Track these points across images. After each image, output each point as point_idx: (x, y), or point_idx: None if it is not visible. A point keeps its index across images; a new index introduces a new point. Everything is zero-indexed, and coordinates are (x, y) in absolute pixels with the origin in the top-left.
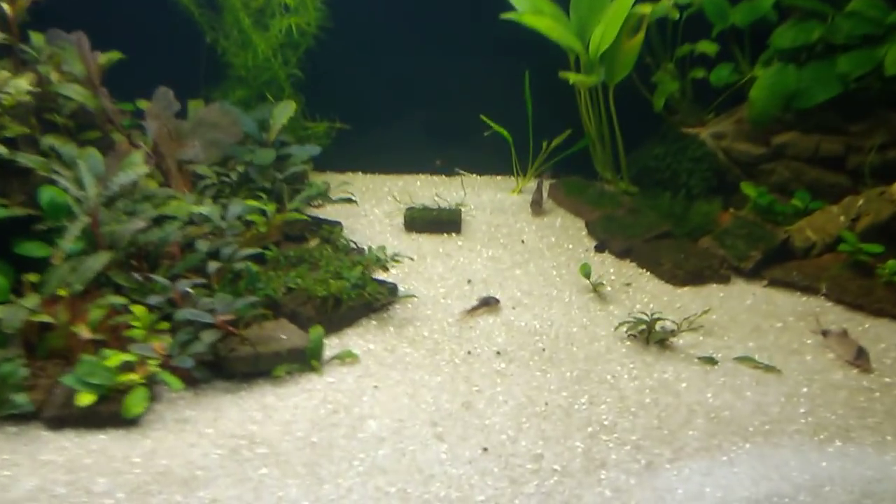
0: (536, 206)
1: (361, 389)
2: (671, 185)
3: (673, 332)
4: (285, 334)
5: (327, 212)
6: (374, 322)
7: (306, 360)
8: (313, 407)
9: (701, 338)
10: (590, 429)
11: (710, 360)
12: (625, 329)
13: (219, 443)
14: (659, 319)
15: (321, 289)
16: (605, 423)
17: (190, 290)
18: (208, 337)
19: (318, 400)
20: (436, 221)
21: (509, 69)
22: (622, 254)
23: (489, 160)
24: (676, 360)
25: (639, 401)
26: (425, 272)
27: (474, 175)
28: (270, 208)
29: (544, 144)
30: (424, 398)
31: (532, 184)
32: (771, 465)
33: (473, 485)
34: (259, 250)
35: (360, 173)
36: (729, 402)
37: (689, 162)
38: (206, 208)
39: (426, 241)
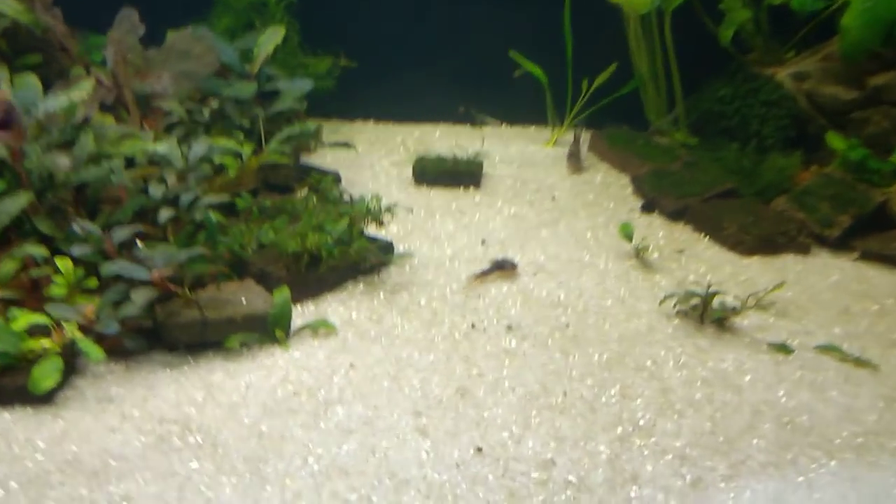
0: (574, 161)
1: (333, 368)
2: (739, 134)
3: (735, 311)
4: (248, 298)
5: (326, 163)
6: (361, 286)
7: (268, 330)
8: (269, 388)
9: (771, 319)
10: (619, 429)
11: (784, 348)
12: (673, 304)
13: (145, 428)
14: (718, 294)
15: (294, 243)
16: (641, 423)
17: (139, 244)
18: (141, 296)
19: (277, 379)
20: (451, 173)
21: None
22: (675, 215)
23: (521, 108)
24: (739, 345)
25: (687, 396)
26: (431, 230)
27: (503, 125)
28: (246, 150)
29: (584, 85)
30: (410, 381)
31: (570, 135)
32: (866, 491)
33: (459, 496)
34: (228, 198)
35: (370, 122)
36: (807, 404)
37: (762, 107)
38: (164, 146)
39: (437, 196)
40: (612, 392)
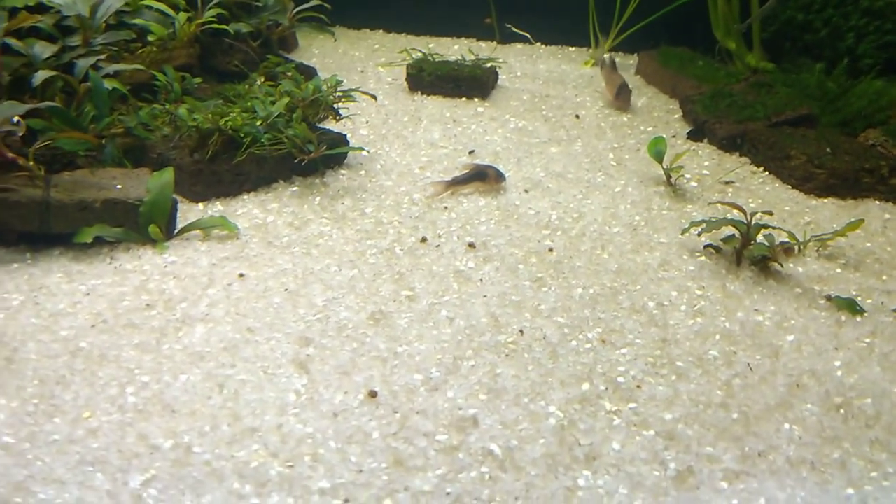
0: (623, 95)
1: (213, 278)
2: (827, 52)
3: (788, 249)
4: (126, 185)
5: (310, 61)
6: (295, 188)
7: (138, 224)
8: (117, 296)
9: (838, 270)
10: (585, 386)
11: (851, 306)
12: (699, 232)
13: None
14: (766, 227)
15: (203, 119)
16: (620, 381)
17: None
18: None
19: (132, 287)
20: (452, 79)
21: None
22: (729, 142)
23: (561, 26)
24: (785, 295)
25: (695, 352)
26: (410, 137)
27: (538, 44)
28: (181, 17)
29: None
30: (312, 300)
31: (617, 59)
32: None
33: (320, 458)
34: (142, 69)
35: (380, 31)
36: (875, 384)
37: (862, 16)
38: None
39: (432, 104)
40: (590, 336)
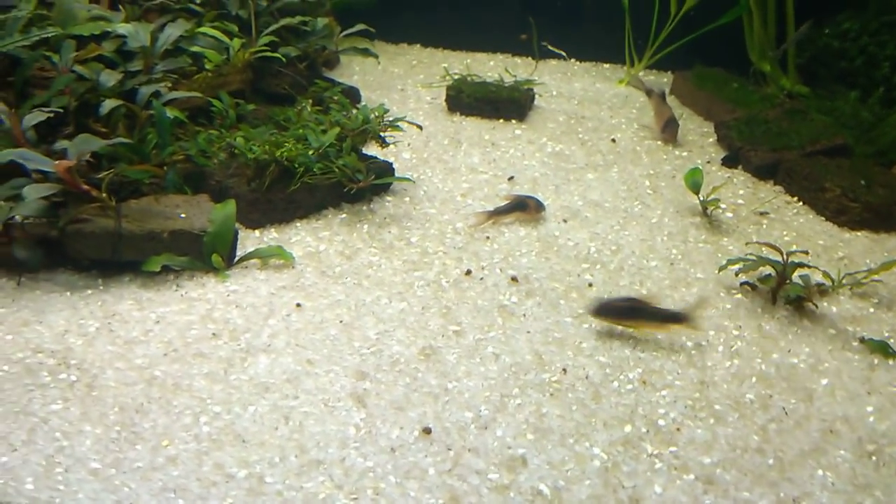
0: (671, 128)
1: (273, 307)
2: (862, 80)
3: (823, 290)
4: (189, 213)
5: (351, 80)
6: (344, 215)
7: (203, 254)
8: (185, 324)
9: (871, 309)
10: (628, 429)
11: (884, 348)
12: (737, 270)
13: (14, 356)
14: (801, 266)
15: (260, 150)
16: (660, 423)
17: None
18: (34, 193)
19: (199, 315)
20: (491, 101)
21: None
22: (764, 171)
23: (596, 42)
24: (820, 336)
25: (733, 395)
26: (451, 161)
27: (573, 60)
28: (235, 43)
29: (673, 6)
30: (365, 332)
31: (651, 77)
32: None
33: (382, 493)
34: (199, 96)
35: (417, 46)
36: None
37: None
38: (126, 27)
39: (471, 125)
40: (631, 376)
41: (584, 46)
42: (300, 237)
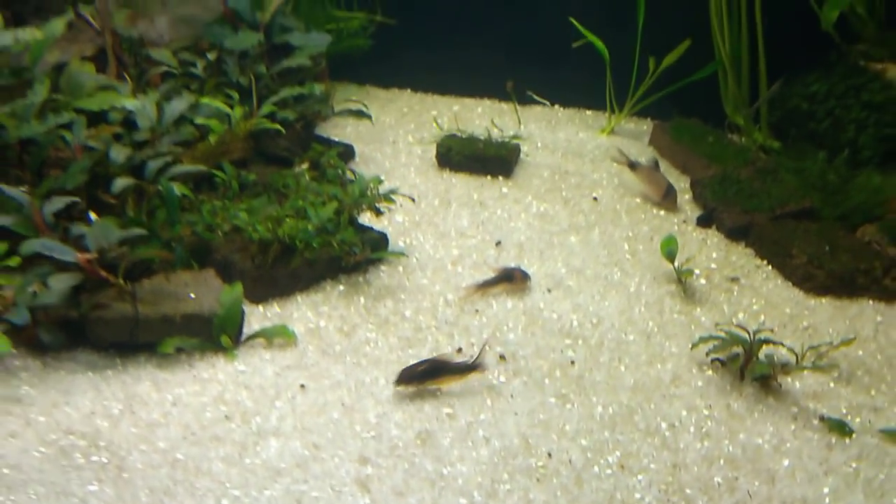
0: (672, 196)
1: (279, 389)
2: (829, 141)
3: (787, 368)
4: (198, 293)
5: (345, 134)
6: (341, 287)
7: (212, 335)
8: (199, 406)
9: (832, 384)
10: None
11: (841, 428)
12: (707, 349)
13: (48, 438)
14: (768, 342)
15: (263, 229)
16: None
17: (93, 217)
18: (60, 283)
19: (211, 397)
20: (479, 158)
21: None
22: (736, 233)
23: (578, 89)
24: (783, 415)
25: (703, 478)
26: (441, 224)
27: (556, 106)
28: (236, 113)
29: (651, 64)
30: (366, 416)
31: (631, 125)
32: None
33: None
34: (204, 169)
35: (407, 91)
36: None
37: (863, 110)
38: (134, 102)
39: (460, 183)
40: (610, 460)
41: (567, 93)
42: (301, 312)
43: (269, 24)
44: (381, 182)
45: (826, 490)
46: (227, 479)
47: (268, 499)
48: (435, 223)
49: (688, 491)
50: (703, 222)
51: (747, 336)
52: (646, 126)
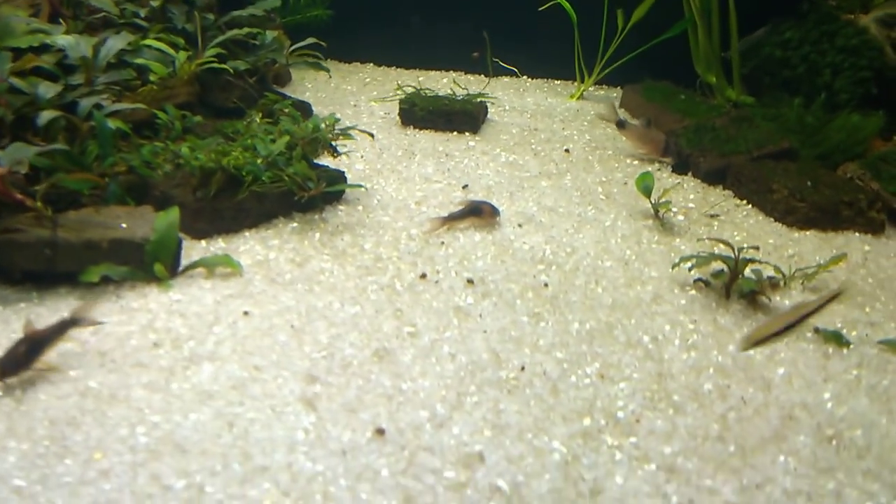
0: (671, 151)
1: (220, 315)
2: (804, 87)
3: (775, 283)
4: (131, 223)
5: (304, 97)
6: (294, 224)
7: (145, 264)
8: (124, 334)
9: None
10: (587, 422)
11: (838, 338)
12: (689, 267)
13: None
14: (753, 262)
15: (205, 158)
16: (620, 415)
17: None
18: None
19: (139, 325)
20: (444, 113)
21: None
22: (713, 175)
23: (547, 59)
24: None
25: (691, 386)
26: (405, 171)
27: (525, 77)
28: (181, 56)
29: (620, 20)
30: (317, 337)
31: (601, 92)
32: None
33: (331, 497)
34: (143, 107)
35: (370, 64)
36: (864, 415)
37: (838, 54)
38: (67, 39)
39: (424, 138)
40: (588, 371)
41: (535, 63)
42: (249, 246)
43: None
44: (337, 120)
45: (827, 395)
46: (146, 406)
47: (193, 423)
48: (398, 171)
49: (675, 398)
50: (679, 169)
51: (732, 254)
52: (615, 94)
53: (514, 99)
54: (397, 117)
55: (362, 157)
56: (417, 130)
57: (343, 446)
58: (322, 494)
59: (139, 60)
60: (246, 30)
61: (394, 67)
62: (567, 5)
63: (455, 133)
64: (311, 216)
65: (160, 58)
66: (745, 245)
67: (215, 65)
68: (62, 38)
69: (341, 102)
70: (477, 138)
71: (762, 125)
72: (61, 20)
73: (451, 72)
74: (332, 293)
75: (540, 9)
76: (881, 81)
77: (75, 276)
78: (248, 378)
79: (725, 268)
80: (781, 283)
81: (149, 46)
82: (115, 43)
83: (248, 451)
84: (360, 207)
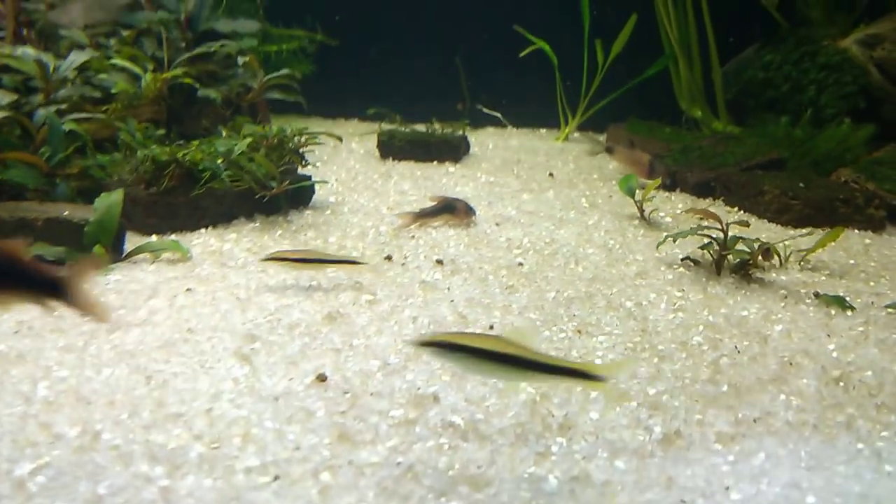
0: (660, 169)
1: (158, 291)
2: (790, 105)
3: (767, 251)
4: (74, 212)
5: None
6: (257, 224)
7: (83, 246)
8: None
9: (823, 278)
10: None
11: (840, 302)
12: (674, 240)
13: None
14: (742, 239)
15: (160, 152)
16: (597, 362)
17: None
18: None
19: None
20: (423, 144)
21: None
22: (701, 187)
23: (532, 112)
24: (770, 296)
25: (678, 339)
26: (381, 189)
27: (509, 128)
28: (147, 77)
29: (599, 55)
30: (264, 305)
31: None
32: None
33: (253, 437)
34: (101, 116)
35: (355, 120)
36: (874, 361)
37: (820, 71)
38: (21, 49)
39: (402, 167)
40: (565, 328)
41: (520, 117)
42: (203, 240)
43: (193, 14)
44: (305, 127)
45: (832, 347)
46: (56, 364)
47: (105, 378)
48: (374, 188)
49: (661, 348)
50: (668, 186)
51: (720, 230)
52: (601, 138)
53: (498, 141)
54: (376, 150)
55: (337, 179)
56: (396, 162)
57: (276, 393)
58: (242, 437)
59: (102, 76)
60: (216, 45)
61: (378, 123)
62: (547, 47)
63: (435, 163)
64: (274, 218)
65: (126, 77)
66: (735, 222)
67: (184, 79)
68: (20, 50)
69: (321, 145)
70: (457, 166)
71: (749, 141)
72: (28, 44)
73: (436, 124)
74: (287, 273)
75: (521, 54)
76: (868, 100)
77: None
78: (178, 339)
79: (715, 245)
80: (776, 257)
81: (114, 65)
82: (77, 57)
83: (163, 401)
84: (329, 212)
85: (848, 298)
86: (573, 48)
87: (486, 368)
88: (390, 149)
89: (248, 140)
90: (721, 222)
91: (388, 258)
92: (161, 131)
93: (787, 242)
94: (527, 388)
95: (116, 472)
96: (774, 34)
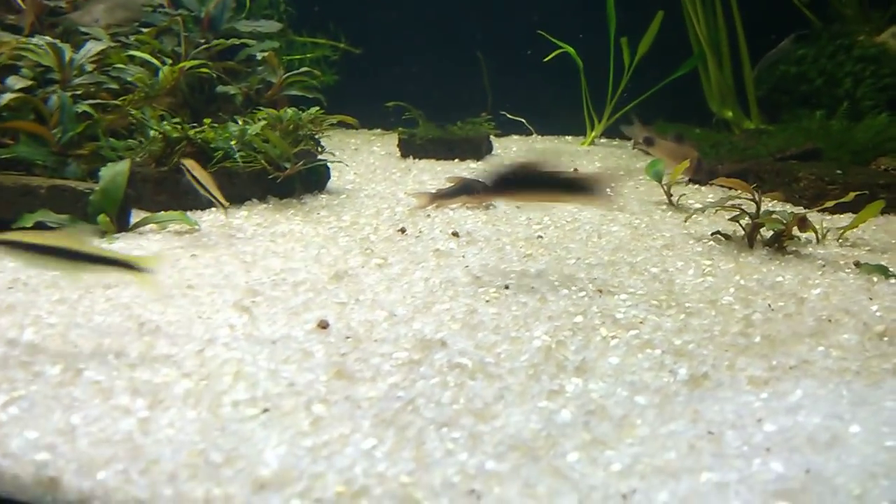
0: (704, 167)
1: (162, 256)
2: (825, 98)
3: (803, 220)
4: (80, 187)
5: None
6: (269, 204)
7: (87, 214)
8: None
9: (864, 252)
10: (578, 319)
11: (882, 270)
12: (706, 216)
13: None
14: (775, 213)
15: (171, 129)
16: (618, 316)
17: None
18: None
19: None
20: (445, 142)
21: None
22: (734, 177)
23: (558, 122)
24: (806, 265)
25: (707, 299)
26: (399, 180)
27: (535, 136)
28: (165, 70)
29: (626, 54)
30: (269, 267)
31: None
32: None
33: (244, 375)
34: (116, 102)
35: (378, 130)
36: None
37: (856, 63)
38: (37, 39)
39: (423, 164)
40: (584, 287)
41: (546, 125)
42: (212, 217)
43: (214, 15)
44: (321, 110)
45: (874, 308)
46: (46, 313)
47: (96, 324)
48: (392, 179)
49: (688, 305)
50: (698, 180)
51: (753, 200)
52: (628, 145)
53: (522, 145)
54: (397, 150)
55: (355, 173)
56: (417, 160)
57: (273, 338)
58: (233, 375)
59: (121, 66)
60: (232, 41)
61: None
62: (572, 51)
63: (457, 160)
64: (288, 200)
65: (143, 71)
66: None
67: (201, 70)
68: (35, 40)
69: (342, 147)
70: (480, 163)
71: (778, 136)
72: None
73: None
74: (296, 242)
75: (545, 59)
76: None
77: (8, 224)
78: (177, 294)
79: (748, 220)
80: (819, 235)
81: (132, 57)
82: (94, 46)
83: (153, 344)
84: (345, 196)
85: (891, 269)
86: (599, 54)
87: (45, 262)
88: (411, 147)
89: (263, 123)
90: (754, 193)
91: (402, 230)
92: (177, 119)
93: (824, 223)
94: (542, 336)
95: (94, 404)
96: (806, 32)
